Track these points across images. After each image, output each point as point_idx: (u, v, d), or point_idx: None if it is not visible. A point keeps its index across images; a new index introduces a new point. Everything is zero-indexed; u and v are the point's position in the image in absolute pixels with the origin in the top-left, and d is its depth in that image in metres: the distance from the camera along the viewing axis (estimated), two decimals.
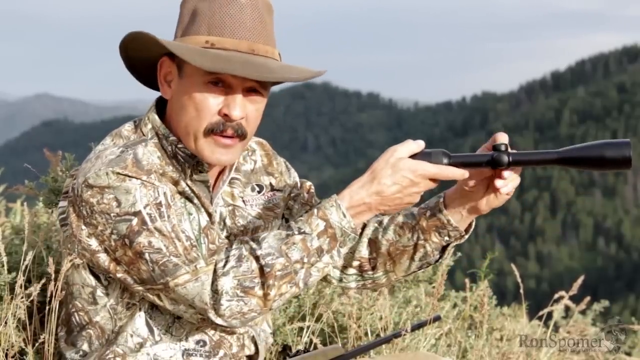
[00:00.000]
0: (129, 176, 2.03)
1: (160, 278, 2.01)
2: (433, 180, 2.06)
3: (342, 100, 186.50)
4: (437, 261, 2.29)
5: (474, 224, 2.27)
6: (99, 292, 2.14)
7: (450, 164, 2.06)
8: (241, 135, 2.12)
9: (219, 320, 2.00)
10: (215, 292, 1.98)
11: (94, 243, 2.07)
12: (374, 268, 2.33)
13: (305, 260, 2.00)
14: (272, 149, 2.41)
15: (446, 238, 2.23)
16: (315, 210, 2.03)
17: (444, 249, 2.27)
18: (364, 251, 2.34)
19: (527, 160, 2.09)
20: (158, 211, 2.02)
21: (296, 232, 2.01)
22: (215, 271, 1.99)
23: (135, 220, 2.01)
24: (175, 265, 1.99)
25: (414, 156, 2.06)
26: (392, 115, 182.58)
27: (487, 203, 2.18)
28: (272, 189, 2.34)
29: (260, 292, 1.98)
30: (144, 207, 2.01)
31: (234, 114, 2.09)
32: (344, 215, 2.02)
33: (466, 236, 2.25)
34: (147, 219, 2.01)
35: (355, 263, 2.34)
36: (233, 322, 2.01)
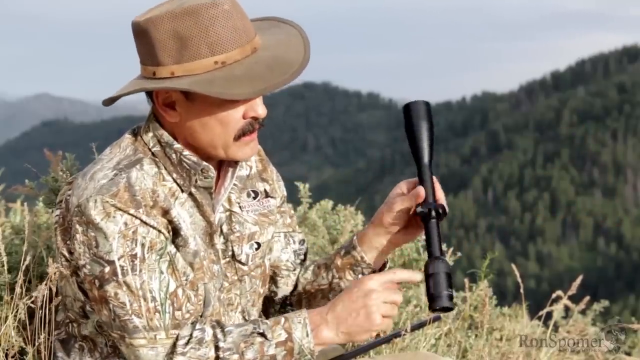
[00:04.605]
0: (116, 207, 2.01)
1: (118, 330, 2.05)
2: (390, 286, 2.08)
3: (342, 100, 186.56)
4: None
5: (388, 263, 2.30)
6: (88, 307, 2.14)
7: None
8: (262, 124, 2.14)
9: None
10: None
11: (73, 259, 2.09)
12: (294, 304, 2.40)
13: None
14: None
15: (360, 276, 2.24)
16: (283, 320, 2.07)
17: None
18: None
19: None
20: (132, 264, 2.02)
21: (258, 334, 2.04)
22: (174, 345, 2.02)
23: (107, 269, 2.02)
24: (135, 327, 2.02)
25: None
26: (392, 115, 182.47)
27: (404, 236, 2.22)
28: (267, 195, 2.33)
29: None
30: (119, 259, 2.02)
31: (261, 113, 2.10)
32: (307, 335, 2.05)
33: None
34: (118, 270, 2.01)
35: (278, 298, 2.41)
36: None
